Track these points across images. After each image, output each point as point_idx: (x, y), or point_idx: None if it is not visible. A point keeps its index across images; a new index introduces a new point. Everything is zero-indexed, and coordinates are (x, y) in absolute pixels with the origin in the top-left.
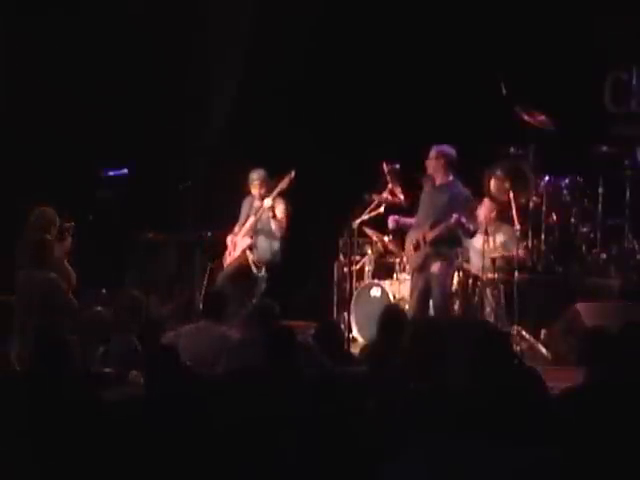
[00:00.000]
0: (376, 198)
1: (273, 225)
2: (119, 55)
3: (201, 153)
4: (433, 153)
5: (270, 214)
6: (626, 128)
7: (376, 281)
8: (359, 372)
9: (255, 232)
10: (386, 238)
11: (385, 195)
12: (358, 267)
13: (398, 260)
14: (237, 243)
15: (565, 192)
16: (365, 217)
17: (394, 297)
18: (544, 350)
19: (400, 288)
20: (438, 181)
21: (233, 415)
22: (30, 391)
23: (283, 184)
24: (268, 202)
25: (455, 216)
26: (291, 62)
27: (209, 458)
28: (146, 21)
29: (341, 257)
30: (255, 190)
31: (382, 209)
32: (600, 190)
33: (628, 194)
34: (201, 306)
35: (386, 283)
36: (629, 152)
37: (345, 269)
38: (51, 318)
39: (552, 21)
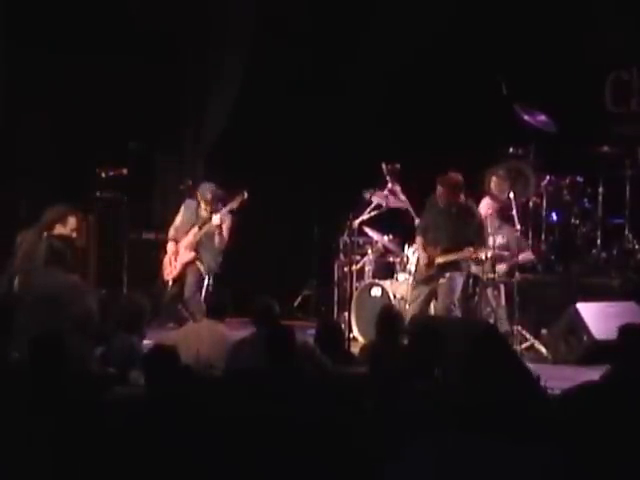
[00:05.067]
0: (376, 198)
1: (217, 241)
2: (119, 54)
3: (200, 154)
4: (439, 189)
5: (217, 230)
6: (626, 128)
7: (376, 281)
8: (359, 372)
9: (200, 246)
10: (386, 238)
11: (385, 195)
12: (358, 267)
13: (398, 260)
14: (179, 253)
15: (565, 192)
16: (365, 217)
17: (394, 297)
18: (544, 350)
19: (400, 288)
20: (453, 207)
21: (233, 415)
22: (30, 391)
23: (234, 204)
24: (216, 220)
25: (469, 250)
26: (293, 60)
27: (209, 458)
28: (145, 21)
29: (341, 257)
30: (207, 205)
31: (382, 209)
32: (600, 190)
33: (628, 194)
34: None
35: (386, 283)
36: (630, 152)
37: (345, 269)
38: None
39: (552, 21)
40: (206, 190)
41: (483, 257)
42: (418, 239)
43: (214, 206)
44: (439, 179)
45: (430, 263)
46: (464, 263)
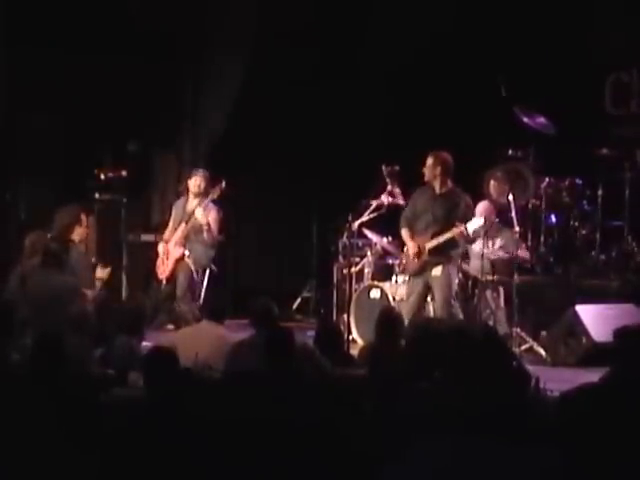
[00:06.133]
0: (375, 200)
1: (205, 236)
2: (119, 54)
3: (199, 154)
4: (430, 160)
5: (205, 227)
6: (626, 130)
7: (375, 283)
8: (359, 374)
9: (189, 241)
10: (385, 240)
11: (384, 197)
12: (357, 269)
13: (397, 262)
14: (170, 251)
15: (565, 194)
16: (364, 219)
17: (393, 299)
18: (543, 352)
19: (399, 290)
20: (437, 189)
21: (232, 417)
22: (29, 393)
23: (214, 194)
24: (199, 213)
25: (459, 227)
26: (293, 61)
27: (208, 460)
28: (145, 21)
29: (340, 259)
30: (196, 189)
31: (381, 211)
32: (600, 192)
33: (627, 196)
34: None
35: (385, 285)
36: (629, 154)
37: (345, 271)
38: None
39: (552, 23)
40: (194, 175)
41: (470, 235)
42: (403, 231)
43: (203, 190)
44: (431, 152)
45: (420, 252)
46: (455, 253)
